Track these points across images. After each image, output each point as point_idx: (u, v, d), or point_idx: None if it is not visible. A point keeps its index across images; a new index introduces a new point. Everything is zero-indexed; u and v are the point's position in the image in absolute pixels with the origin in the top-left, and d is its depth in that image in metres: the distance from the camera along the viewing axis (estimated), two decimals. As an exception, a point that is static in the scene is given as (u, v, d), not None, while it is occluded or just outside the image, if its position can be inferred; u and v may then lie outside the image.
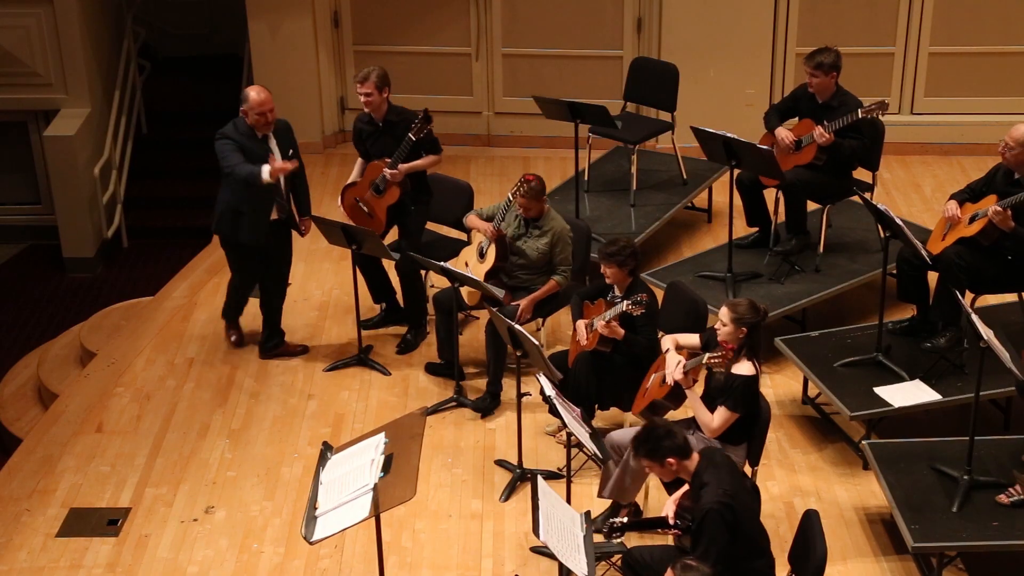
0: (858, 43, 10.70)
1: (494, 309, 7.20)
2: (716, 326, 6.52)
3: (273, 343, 8.50)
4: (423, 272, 8.57)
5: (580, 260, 8.12)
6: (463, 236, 8.65)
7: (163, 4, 13.39)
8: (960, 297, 6.88)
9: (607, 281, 7.17)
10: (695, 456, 5.74)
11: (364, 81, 8.00)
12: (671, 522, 5.82)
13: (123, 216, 11.78)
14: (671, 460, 5.69)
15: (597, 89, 10.74)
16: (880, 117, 8.15)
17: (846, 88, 8.32)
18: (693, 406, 6.51)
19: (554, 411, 6.36)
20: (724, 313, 6.41)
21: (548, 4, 11.00)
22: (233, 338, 8.64)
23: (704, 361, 6.38)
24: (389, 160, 8.07)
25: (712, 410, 6.44)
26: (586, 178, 9.66)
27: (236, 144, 7.79)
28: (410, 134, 7.92)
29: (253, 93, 7.80)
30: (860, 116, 8.02)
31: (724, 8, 10.57)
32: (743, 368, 6.36)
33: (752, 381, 6.36)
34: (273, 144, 7.93)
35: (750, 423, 6.45)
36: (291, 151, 8.00)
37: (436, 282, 8.69)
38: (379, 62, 8.55)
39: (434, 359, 8.25)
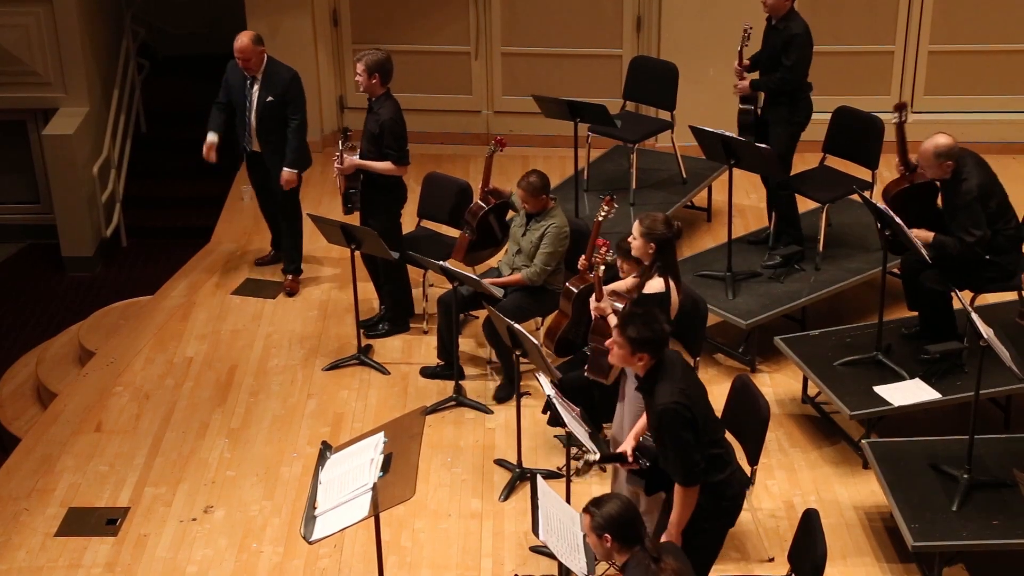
0: (858, 42, 10.69)
1: (493, 308, 7.19)
2: (628, 239, 6.49)
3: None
4: (423, 272, 8.57)
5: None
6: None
7: (163, 3, 13.36)
8: (960, 297, 6.87)
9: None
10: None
11: (359, 61, 8.15)
12: (629, 459, 5.87)
13: (122, 215, 11.76)
14: (643, 355, 5.52)
15: (596, 88, 10.73)
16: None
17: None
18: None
19: (555, 418, 6.33)
20: (635, 227, 6.40)
21: (547, 3, 10.98)
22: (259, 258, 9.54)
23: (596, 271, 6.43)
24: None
25: None
26: (585, 177, 9.65)
27: (225, 77, 8.79)
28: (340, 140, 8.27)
29: (236, 40, 8.55)
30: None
31: (724, 8, 10.55)
32: (653, 285, 6.30)
33: (661, 297, 6.25)
34: (255, 87, 8.64)
35: (684, 327, 6.47)
36: (270, 98, 8.59)
37: (436, 282, 8.68)
38: (379, 61, 8.56)
39: (432, 362, 8.25)
